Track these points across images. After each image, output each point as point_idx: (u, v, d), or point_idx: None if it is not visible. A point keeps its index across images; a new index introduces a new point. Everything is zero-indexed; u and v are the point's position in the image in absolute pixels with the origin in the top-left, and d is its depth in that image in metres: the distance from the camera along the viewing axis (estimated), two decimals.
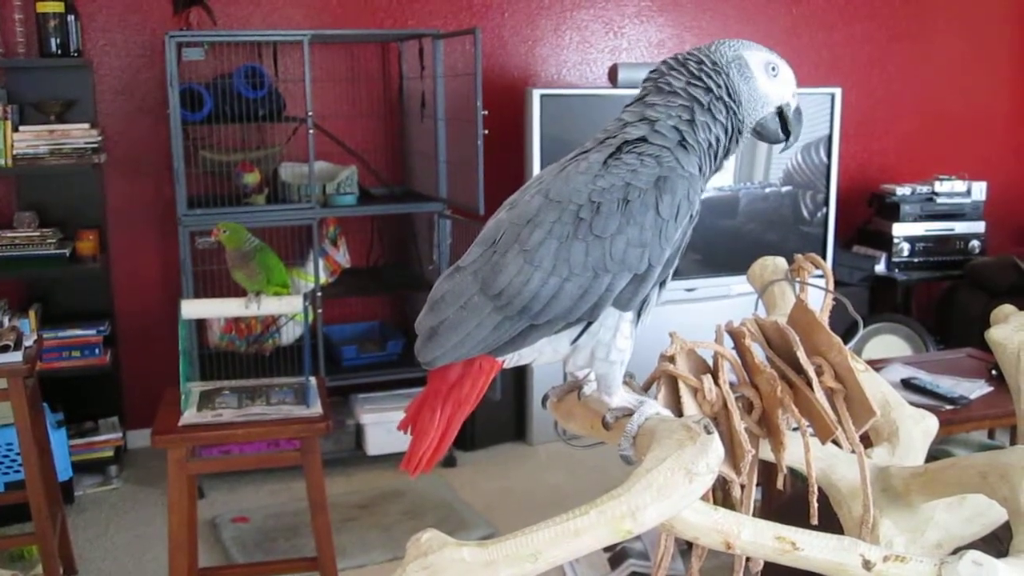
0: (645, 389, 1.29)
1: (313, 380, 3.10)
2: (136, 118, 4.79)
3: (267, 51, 4.74)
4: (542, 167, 4.69)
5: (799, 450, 1.19)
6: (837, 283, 5.24)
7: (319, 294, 4.50)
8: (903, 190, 5.62)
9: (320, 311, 4.49)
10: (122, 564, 3.87)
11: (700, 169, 1.25)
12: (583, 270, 1.19)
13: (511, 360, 1.26)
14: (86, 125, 4.43)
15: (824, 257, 5.25)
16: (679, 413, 1.19)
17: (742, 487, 1.18)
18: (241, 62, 4.53)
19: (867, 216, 5.80)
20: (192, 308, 2.92)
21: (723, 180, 5.21)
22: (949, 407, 3.40)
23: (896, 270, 5.59)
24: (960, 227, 5.68)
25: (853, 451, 1.16)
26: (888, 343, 5.35)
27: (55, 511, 3.65)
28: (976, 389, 3.52)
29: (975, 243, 5.69)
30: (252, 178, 4.47)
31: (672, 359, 1.24)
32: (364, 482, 4.56)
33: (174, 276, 4.60)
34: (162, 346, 4.60)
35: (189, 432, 2.78)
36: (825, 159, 5.25)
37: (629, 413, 1.20)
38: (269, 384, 3.17)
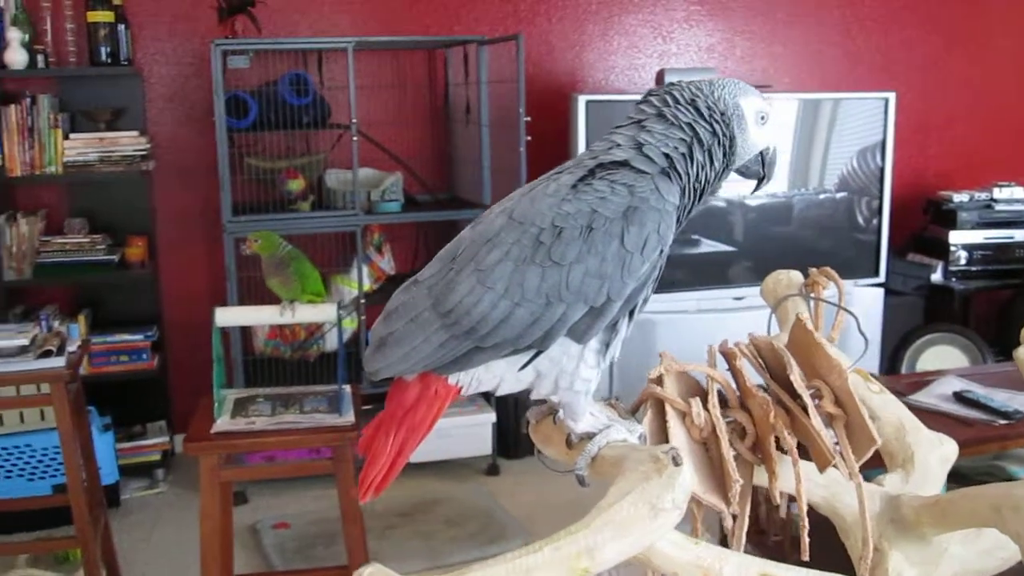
0: (632, 412, 1.24)
1: (348, 388, 3.09)
2: (185, 125, 4.84)
3: (313, 58, 4.76)
4: None
5: (789, 477, 1.13)
6: (892, 291, 5.06)
7: (363, 301, 4.50)
8: (960, 196, 5.48)
9: (364, 318, 4.49)
10: (165, 568, 3.90)
11: (681, 201, 1.22)
12: (536, 296, 1.15)
13: (469, 387, 1.22)
14: (135, 133, 4.49)
15: (878, 264, 5.14)
16: (666, 438, 1.14)
17: (734, 518, 1.13)
18: (287, 69, 4.55)
19: (923, 223, 5.66)
20: (226, 315, 2.93)
21: (777, 186, 5.12)
22: (1003, 421, 3.29)
23: (953, 279, 5.45)
24: (1020, 235, 5.52)
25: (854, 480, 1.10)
26: (944, 354, 5.21)
27: (98, 514, 3.68)
28: None
29: None
30: (296, 185, 4.49)
31: (659, 380, 1.19)
32: (405, 489, 4.55)
33: (221, 282, 4.63)
34: (209, 351, 4.61)
35: (221, 439, 2.78)
36: (880, 164, 5.14)
37: (594, 435, 1.16)
38: (304, 392, 3.17)
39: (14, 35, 4.29)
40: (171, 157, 4.83)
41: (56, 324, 4.39)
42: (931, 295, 5.49)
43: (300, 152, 4.66)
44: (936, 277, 5.46)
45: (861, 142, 5.12)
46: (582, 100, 4.63)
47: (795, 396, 1.13)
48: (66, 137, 4.40)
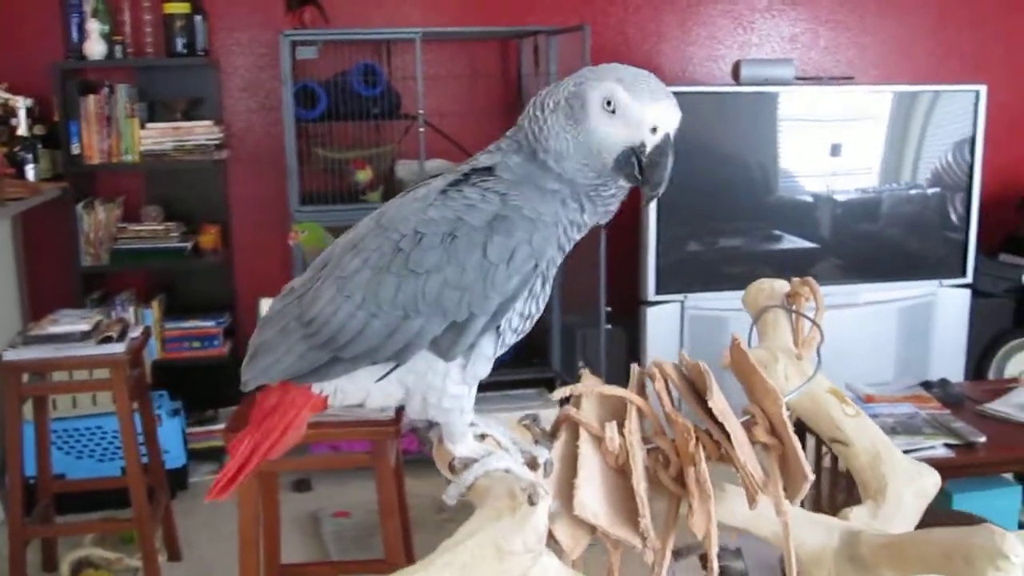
0: (552, 435, 1.16)
1: None
2: (258, 115, 4.90)
3: (386, 49, 4.77)
4: None
5: (736, 508, 1.04)
6: (980, 293, 4.82)
7: None
8: None
9: None
10: (226, 552, 3.94)
11: (560, 215, 1.12)
12: (392, 308, 1.08)
13: (335, 398, 1.18)
14: (209, 122, 4.57)
15: (965, 264, 4.92)
16: (575, 465, 1.06)
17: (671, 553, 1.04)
18: (360, 60, 4.57)
19: (1016, 222, 5.40)
20: None
21: (865, 181, 4.95)
22: None
23: None
24: None
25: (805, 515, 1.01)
26: None
27: (159, 497, 3.76)
28: None
29: None
30: (364, 175, 4.50)
31: (578, 404, 1.11)
32: None
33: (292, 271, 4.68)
34: None
35: None
36: (969, 160, 4.92)
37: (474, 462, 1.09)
38: None
39: (94, 26, 4.40)
40: (245, 146, 4.90)
41: (131, 309, 4.52)
42: (1022, 297, 5.23)
43: (370, 143, 4.66)
44: None
45: (951, 137, 4.91)
46: None
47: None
48: (143, 126, 4.49)
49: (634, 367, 1.17)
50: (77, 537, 3.84)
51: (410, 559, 3.17)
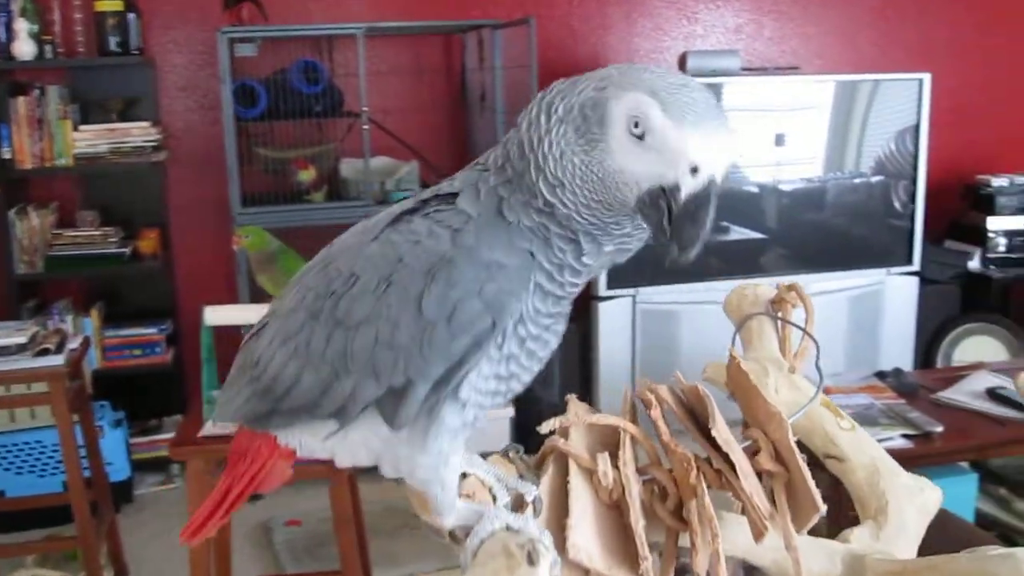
0: (537, 466, 1.08)
1: None
2: (197, 115, 4.77)
3: (328, 45, 4.66)
4: None
5: (735, 536, 0.97)
6: (927, 280, 4.82)
7: None
8: (1000, 181, 5.25)
9: None
10: (175, 565, 3.82)
11: (540, 258, 0.91)
12: (321, 362, 0.92)
13: (301, 451, 1.04)
14: (145, 123, 4.43)
15: (911, 251, 4.95)
16: (566, 501, 0.98)
17: None
18: (300, 56, 4.46)
19: (960, 209, 5.44)
20: (217, 314, 2.84)
21: (813, 170, 4.94)
22: None
23: (991, 267, 5.23)
24: None
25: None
26: (981, 345, 5.02)
27: (103, 512, 3.64)
28: None
29: None
30: (307, 175, 4.40)
31: (565, 432, 1.02)
32: None
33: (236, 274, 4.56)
34: (226, 346, 4.54)
35: (208, 444, 2.70)
36: (914, 148, 4.94)
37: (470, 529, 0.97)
38: None
39: (22, 26, 4.23)
40: (184, 147, 4.76)
41: (68, 318, 4.37)
42: (968, 284, 5.27)
43: (312, 141, 4.56)
44: (974, 265, 5.25)
45: (895, 125, 4.92)
46: None
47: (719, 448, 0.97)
48: (76, 128, 4.34)
49: (626, 391, 1.07)
50: (19, 557, 3.71)
51: (366, 569, 3.09)
